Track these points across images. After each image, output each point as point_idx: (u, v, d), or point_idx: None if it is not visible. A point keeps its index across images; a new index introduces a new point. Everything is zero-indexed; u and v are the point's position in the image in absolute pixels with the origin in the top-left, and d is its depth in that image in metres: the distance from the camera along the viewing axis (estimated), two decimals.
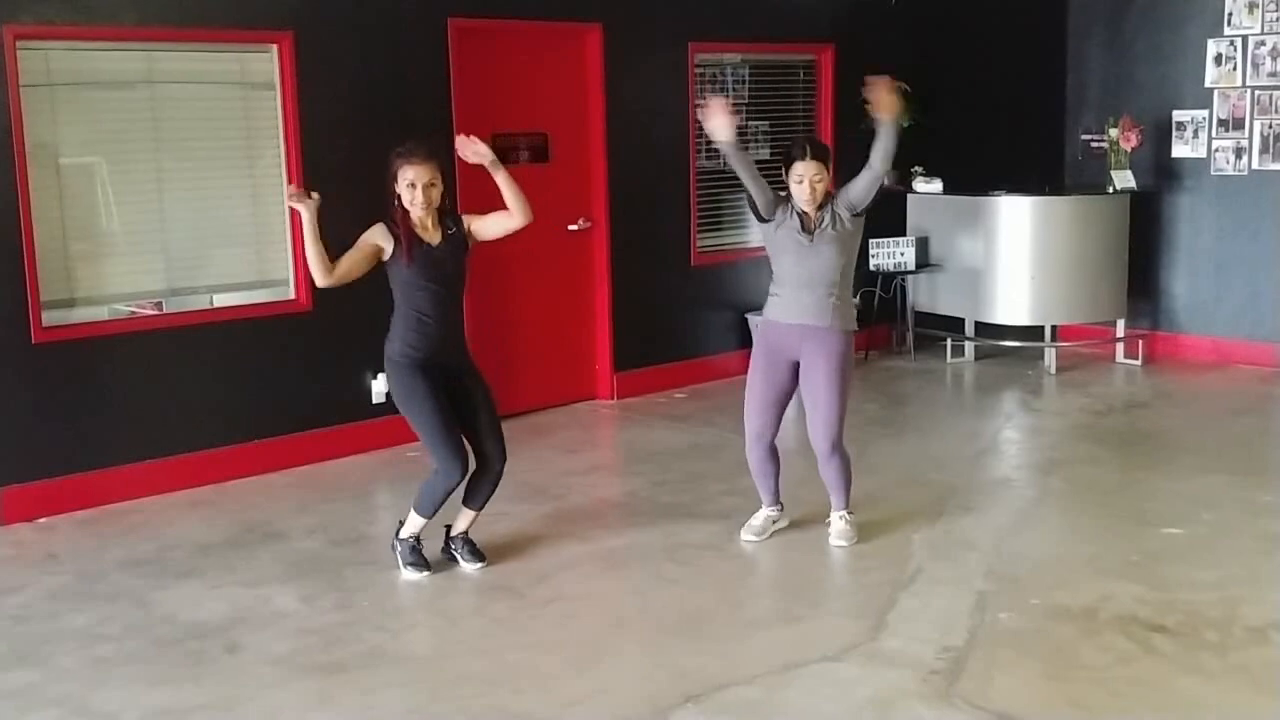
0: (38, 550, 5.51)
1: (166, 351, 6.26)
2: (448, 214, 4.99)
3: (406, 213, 4.88)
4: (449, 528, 5.19)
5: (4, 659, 4.39)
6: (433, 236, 4.92)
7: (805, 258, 5.17)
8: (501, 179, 4.93)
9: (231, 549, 5.48)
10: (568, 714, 3.90)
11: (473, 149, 4.93)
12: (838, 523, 5.38)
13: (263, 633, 4.58)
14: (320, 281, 4.87)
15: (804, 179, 5.11)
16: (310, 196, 4.82)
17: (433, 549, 5.18)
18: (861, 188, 5.16)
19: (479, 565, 5.14)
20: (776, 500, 5.47)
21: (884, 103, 5.09)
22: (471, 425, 5.03)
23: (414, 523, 5.09)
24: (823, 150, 5.23)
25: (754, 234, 8.23)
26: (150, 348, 6.22)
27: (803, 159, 5.12)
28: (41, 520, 5.85)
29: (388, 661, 4.38)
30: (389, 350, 4.97)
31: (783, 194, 5.26)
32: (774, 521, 5.47)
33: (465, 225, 5.01)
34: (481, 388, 5.07)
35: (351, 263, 4.89)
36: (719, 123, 5.03)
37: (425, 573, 5.04)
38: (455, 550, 5.18)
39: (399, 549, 5.10)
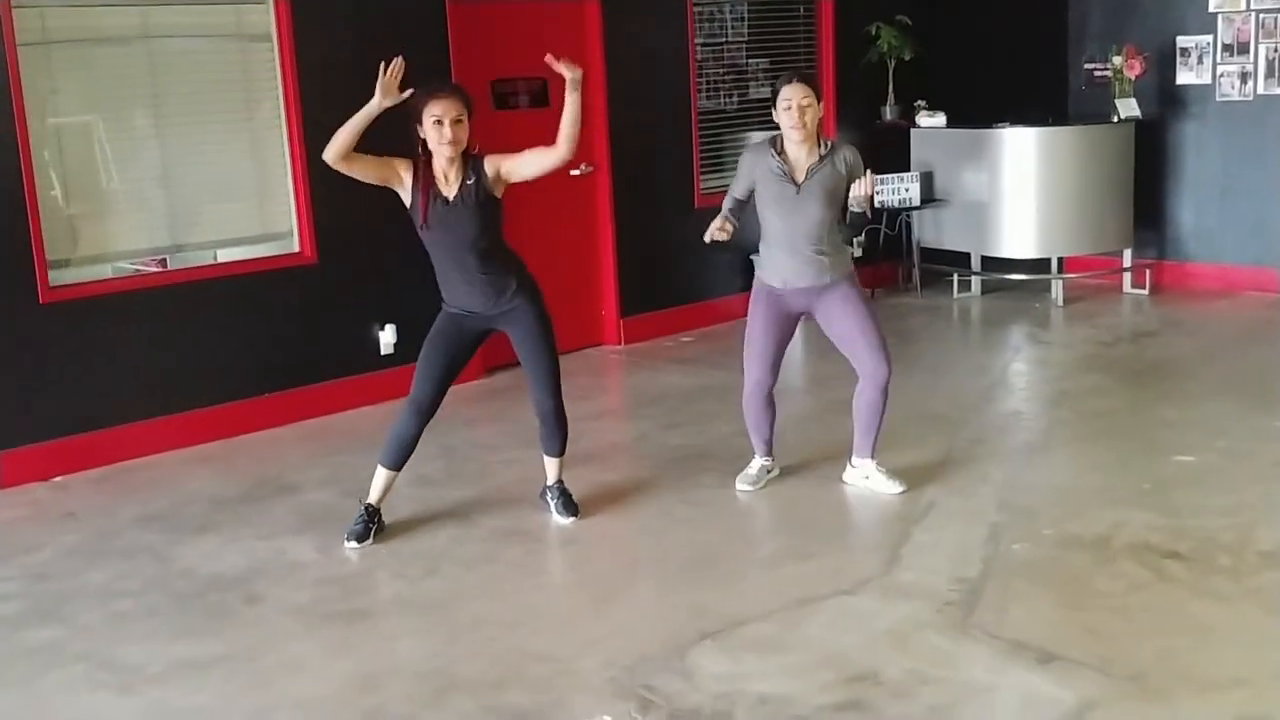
0: (54, 509, 5.55)
1: (173, 308, 6.26)
2: (471, 160, 4.71)
3: (429, 164, 4.69)
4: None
5: (27, 616, 4.43)
6: (449, 189, 4.68)
7: (789, 213, 5.00)
8: (572, 103, 4.62)
9: (245, 503, 5.51)
10: (586, 654, 3.93)
11: (567, 63, 4.60)
12: (879, 471, 5.22)
13: (281, 584, 4.61)
14: (328, 153, 4.63)
15: (792, 102, 4.89)
16: (400, 93, 4.54)
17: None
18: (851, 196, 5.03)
19: (568, 519, 5.06)
20: (770, 450, 5.41)
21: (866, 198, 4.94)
22: (523, 364, 4.98)
23: (375, 477, 4.97)
24: (810, 78, 5.03)
25: None
26: (156, 304, 6.22)
27: (789, 83, 4.92)
28: (56, 479, 5.89)
29: (406, 608, 4.43)
30: None
31: (766, 139, 5.12)
32: (768, 471, 5.42)
33: (491, 171, 4.69)
34: (529, 326, 4.89)
35: (366, 162, 4.69)
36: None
37: (353, 543, 4.87)
38: (549, 500, 5.14)
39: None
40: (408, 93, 4.56)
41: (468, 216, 4.71)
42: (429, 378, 4.88)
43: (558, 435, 5.07)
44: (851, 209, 4.97)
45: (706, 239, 5.03)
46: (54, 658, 4.10)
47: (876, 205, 5.12)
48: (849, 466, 5.34)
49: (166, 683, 3.89)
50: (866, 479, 5.27)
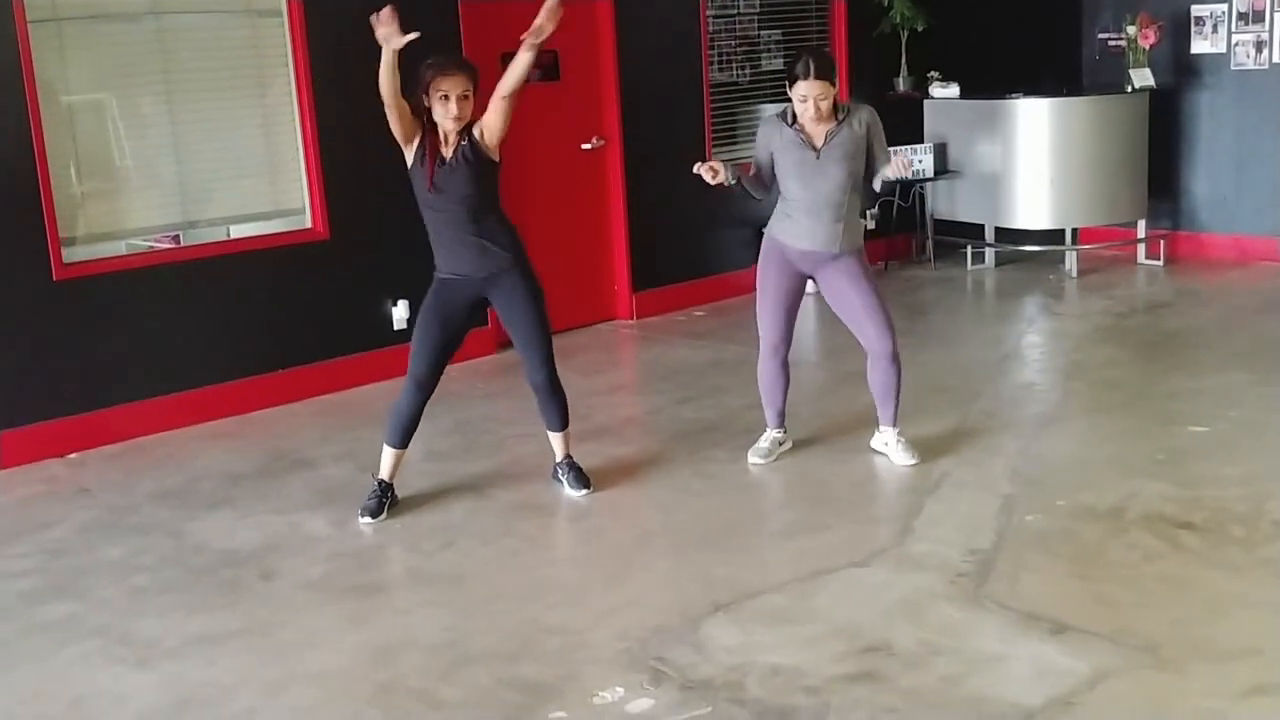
0: (69, 485, 5.57)
1: (186, 284, 6.28)
2: (467, 127, 4.78)
3: (434, 129, 4.74)
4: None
5: (43, 592, 4.46)
6: (446, 150, 4.75)
7: (810, 179, 4.98)
8: (526, 57, 4.62)
9: (260, 478, 5.54)
10: (600, 626, 3.95)
11: (549, 8, 4.56)
12: (899, 442, 5.21)
13: (296, 558, 4.63)
14: (386, 87, 4.61)
15: (808, 99, 4.86)
16: (402, 34, 4.53)
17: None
18: (878, 159, 5.07)
19: (581, 492, 5.08)
20: (782, 422, 5.40)
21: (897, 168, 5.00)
22: (512, 335, 4.99)
23: (383, 456, 5.00)
24: (828, 66, 4.91)
25: None
26: (169, 281, 6.23)
27: (806, 78, 4.84)
28: (71, 455, 5.91)
29: (421, 582, 4.44)
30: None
31: (779, 112, 5.08)
32: (779, 444, 5.40)
33: (477, 132, 4.76)
34: (520, 296, 4.89)
35: (404, 114, 4.70)
36: None
37: (368, 518, 4.90)
38: (560, 476, 5.16)
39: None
40: (413, 35, 4.53)
41: (461, 174, 4.75)
42: (426, 352, 4.89)
43: (555, 408, 5.08)
44: (885, 179, 5.02)
45: (695, 167, 5.01)
46: (70, 633, 4.12)
47: (908, 176, 5.12)
48: (876, 433, 5.34)
49: (182, 657, 3.92)
50: (886, 446, 5.27)
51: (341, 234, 6.69)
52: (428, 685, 3.66)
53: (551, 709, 3.48)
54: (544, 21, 4.57)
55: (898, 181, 8.72)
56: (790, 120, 5.01)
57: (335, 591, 4.34)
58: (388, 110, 4.68)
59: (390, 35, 4.54)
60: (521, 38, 4.61)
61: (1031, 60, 9.31)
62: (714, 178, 4.97)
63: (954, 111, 9.13)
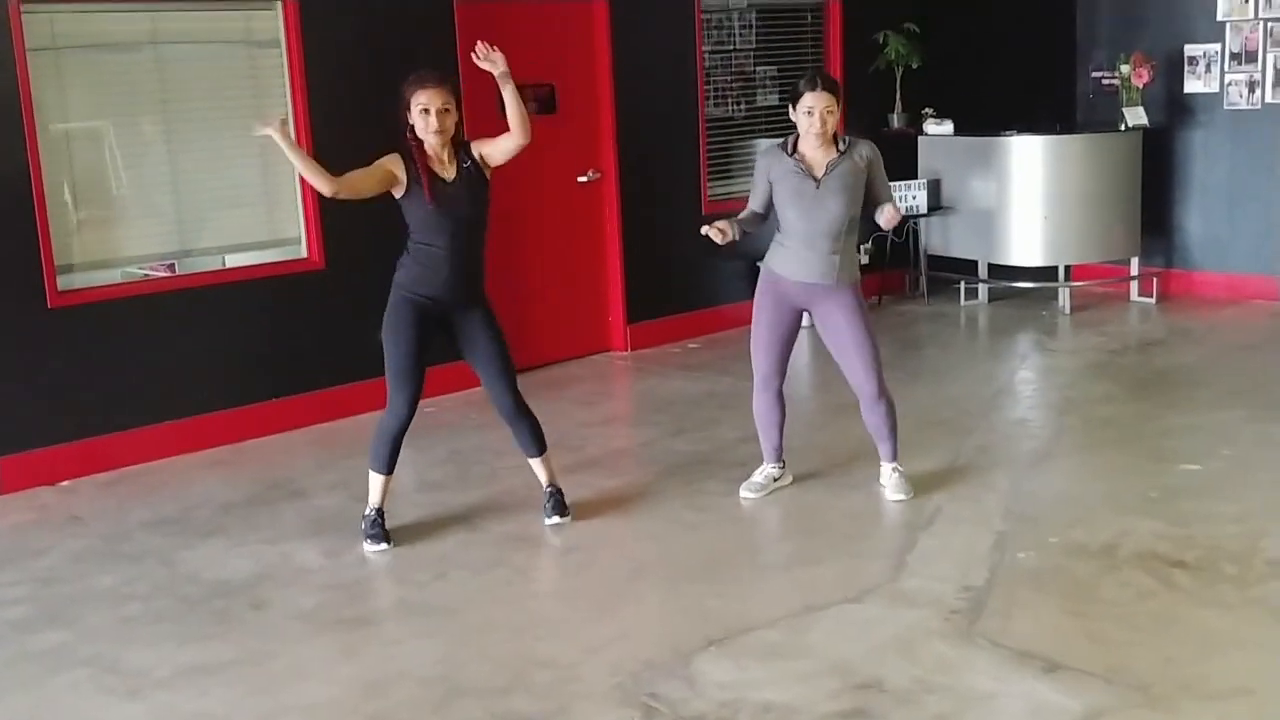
0: (61, 513, 5.56)
1: (181, 313, 6.28)
2: (462, 146, 4.84)
3: (422, 146, 4.75)
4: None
5: (34, 620, 4.44)
6: (447, 171, 4.78)
7: (809, 210, 4.98)
8: (509, 93, 4.75)
9: (253, 507, 5.52)
10: (591, 659, 3.94)
11: (486, 54, 4.73)
12: (892, 476, 5.24)
13: (288, 589, 4.62)
14: (325, 190, 4.69)
15: (814, 110, 4.88)
16: (280, 122, 4.67)
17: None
18: (879, 195, 5.09)
19: (557, 520, 5.08)
20: (779, 457, 5.40)
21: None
22: (477, 364, 5.00)
23: (371, 483, 4.99)
24: (833, 83, 4.98)
25: None
26: (165, 309, 6.23)
27: (813, 90, 4.89)
28: (64, 483, 5.90)
29: (412, 613, 4.43)
30: (396, 275, 4.90)
31: (779, 143, 5.11)
32: (775, 480, 5.39)
33: (477, 154, 4.85)
34: (487, 325, 4.93)
35: (359, 178, 4.74)
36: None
37: (383, 545, 4.91)
38: (544, 503, 5.15)
39: (363, 521, 5.01)
40: (283, 115, 4.75)
41: (468, 196, 4.82)
42: (413, 370, 4.88)
43: (529, 432, 5.09)
44: (880, 227, 5.06)
45: (703, 230, 5.02)
46: (61, 661, 4.11)
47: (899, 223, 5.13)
48: (880, 469, 5.33)
49: (173, 687, 3.90)
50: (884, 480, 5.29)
51: (337, 264, 6.69)
52: (419, 718, 3.64)
53: None
54: (490, 58, 4.76)
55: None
56: (790, 150, 5.04)
57: (327, 622, 4.33)
58: (342, 194, 4.74)
59: (268, 127, 4.67)
60: (484, 64, 4.77)
61: (1025, 98, 9.36)
62: (723, 239, 4.97)
63: (948, 148, 9.17)
